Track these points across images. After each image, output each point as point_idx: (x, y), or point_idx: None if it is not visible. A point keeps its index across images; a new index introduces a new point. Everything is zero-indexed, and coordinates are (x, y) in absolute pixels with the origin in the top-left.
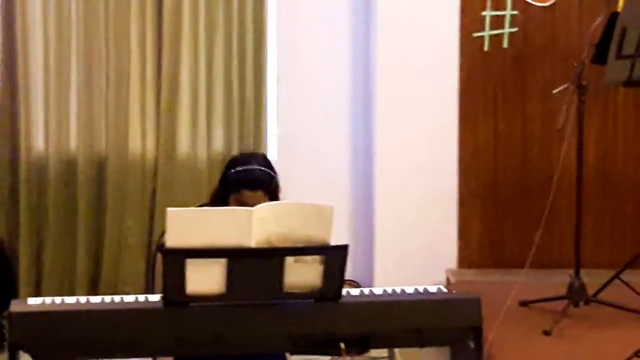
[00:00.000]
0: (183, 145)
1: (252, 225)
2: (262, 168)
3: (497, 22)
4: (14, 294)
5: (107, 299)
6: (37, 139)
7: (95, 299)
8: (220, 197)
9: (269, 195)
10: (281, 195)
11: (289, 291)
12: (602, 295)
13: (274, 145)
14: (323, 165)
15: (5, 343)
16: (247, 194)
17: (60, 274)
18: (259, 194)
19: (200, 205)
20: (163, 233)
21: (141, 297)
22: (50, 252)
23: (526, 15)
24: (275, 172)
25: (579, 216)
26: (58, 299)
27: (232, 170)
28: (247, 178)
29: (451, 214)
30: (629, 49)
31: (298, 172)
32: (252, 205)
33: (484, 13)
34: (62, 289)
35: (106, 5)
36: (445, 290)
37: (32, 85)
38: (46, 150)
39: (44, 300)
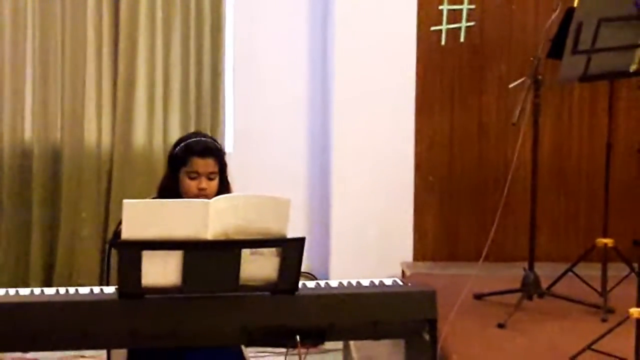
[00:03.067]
0: (139, 137)
1: (208, 217)
2: (209, 139)
3: (454, 16)
4: None
5: (62, 290)
6: None
7: (50, 291)
8: (170, 178)
9: (219, 166)
10: (235, 187)
11: (245, 284)
12: (555, 289)
13: (230, 138)
14: (280, 159)
15: None
16: (199, 161)
17: (14, 264)
18: (210, 161)
19: (153, 199)
20: (119, 223)
21: (96, 289)
22: (4, 243)
23: (483, 10)
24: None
25: (534, 210)
26: (12, 290)
27: (180, 144)
28: (196, 146)
29: (407, 207)
30: (584, 44)
31: (255, 166)
32: (203, 175)
33: (441, 7)
34: (16, 279)
35: None
36: (400, 283)
37: None
38: (0, 140)
39: None
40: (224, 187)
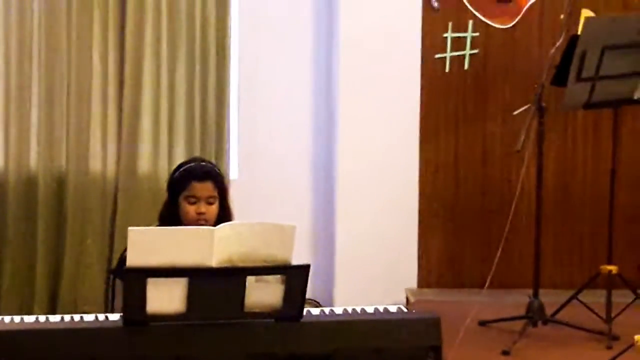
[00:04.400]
0: (144, 163)
1: (213, 244)
2: (207, 164)
3: (459, 43)
4: None
5: (67, 317)
6: None
7: (55, 318)
8: (170, 205)
9: (218, 190)
10: (238, 211)
11: (250, 311)
12: (560, 315)
13: (235, 163)
14: (284, 185)
15: None
16: (197, 185)
17: (18, 291)
18: (209, 185)
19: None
20: (125, 250)
21: (101, 316)
22: (9, 269)
23: (487, 37)
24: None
25: (538, 236)
26: (17, 318)
27: (179, 169)
28: (194, 170)
29: (411, 234)
30: (588, 71)
31: (259, 192)
32: (202, 199)
33: (445, 35)
34: (21, 306)
35: (68, 23)
36: (405, 309)
37: None
38: (6, 167)
39: (2, 318)
40: (224, 213)
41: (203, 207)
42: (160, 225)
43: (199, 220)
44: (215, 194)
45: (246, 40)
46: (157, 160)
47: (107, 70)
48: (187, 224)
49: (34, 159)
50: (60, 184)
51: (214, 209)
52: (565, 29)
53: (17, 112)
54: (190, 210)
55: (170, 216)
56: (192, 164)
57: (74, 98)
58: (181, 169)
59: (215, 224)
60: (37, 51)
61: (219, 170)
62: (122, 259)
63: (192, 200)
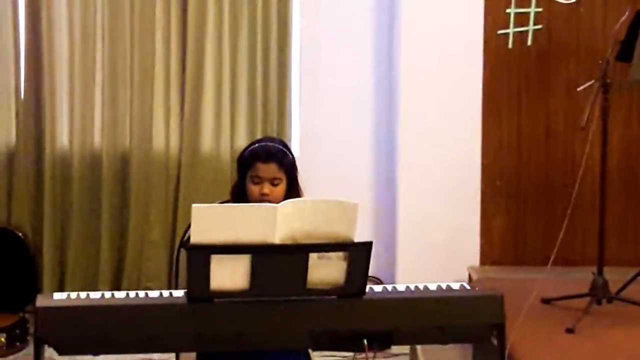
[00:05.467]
0: (206, 142)
1: (276, 221)
2: (276, 144)
3: (522, 19)
4: (37, 289)
5: (132, 294)
6: (62, 135)
7: (120, 294)
8: (239, 183)
9: (284, 170)
10: (303, 190)
11: (313, 287)
12: (625, 293)
13: (297, 142)
14: (346, 162)
15: (29, 337)
16: (261, 167)
17: (83, 269)
18: (273, 167)
19: (223, 202)
20: (188, 227)
21: (165, 293)
22: (73, 248)
23: (550, 13)
24: (292, 154)
25: (602, 214)
26: (83, 294)
27: (248, 149)
28: (259, 151)
29: (474, 211)
30: None
31: (321, 169)
32: (266, 180)
33: (508, 10)
34: (86, 284)
35: (131, 2)
36: (468, 287)
37: (57, 82)
38: (70, 146)
39: (69, 295)
40: (292, 194)
41: (267, 188)
42: (231, 200)
43: (262, 201)
44: (281, 175)
45: (308, 16)
46: (219, 139)
47: (169, 50)
48: (251, 201)
49: (97, 138)
50: (123, 163)
51: (279, 190)
52: (630, 3)
53: (81, 92)
54: (255, 190)
55: (239, 193)
56: (259, 144)
57: (137, 78)
58: (249, 149)
59: None
60: (100, 32)
61: (289, 151)
62: (187, 236)
63: (256, 180)
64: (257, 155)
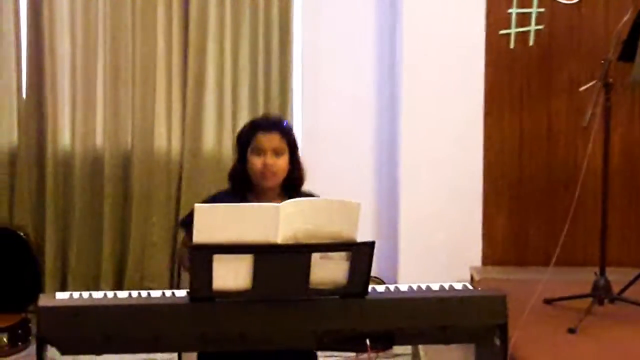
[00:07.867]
0: (208, 142)
1: (278, 221)
2: (278, 117)
3: (523, 19)
4: (39, 289)
5: (134, 294)
6: (64, 135)
7: (122, 294)
8: (238, 163)
9: (286, 141)
10: (305, 188)
11: (315, 287)
12: (627, 294)
13: (298, 142)
14: (348, 163)
15: (31, 337)
16: (262, 137)
17: (85, 269)
18: (275, 136)
19: (222, 191)
20: (190, 213)
21: (167, 293)
22: (75, 248)
23: (552, 13)
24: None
25: (605, 214)
26: (85, 294)
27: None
28: (261, 121)
29: (476, 211)
30: None
31: (323, 170)
32: (269, 150)
33: (510, 10)
34: (87, 284)
35: (133, 3)
36: (470, 287)
37: (58, 82)
38: (72, 146)
39: (71, 294)
40: (294, 167)
41: (270, 159)
42: (230, 185)
43: (265, 172)
44: (283, 145)
45: (309, 16)
46: (220, 139)
47: (171, 50)
48: (254, 177)
49: (99, 138)
50: (125, 163)
51: (282, 162)
52: (632, 3)
53: (83, 92)
54: (257, 162)
55: (239, 175)
56: (260, 117)
57: (139, 78)
58: (249, 123)
59: (286, 180)
60: (102, 31)
61: (289, 123)
62: (190, 214)
63: (259, 151)
64: (259, 124)
